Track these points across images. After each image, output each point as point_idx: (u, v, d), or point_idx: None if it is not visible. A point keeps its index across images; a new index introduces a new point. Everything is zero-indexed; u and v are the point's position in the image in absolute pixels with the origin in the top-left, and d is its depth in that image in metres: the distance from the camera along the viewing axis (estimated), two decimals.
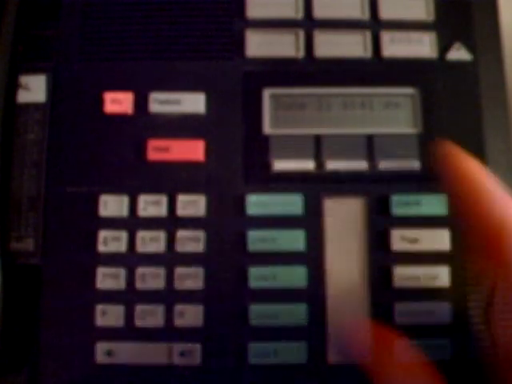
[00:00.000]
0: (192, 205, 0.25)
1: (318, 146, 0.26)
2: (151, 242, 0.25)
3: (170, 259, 0.25)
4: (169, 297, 0.24)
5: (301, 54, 0.27)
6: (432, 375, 0.20)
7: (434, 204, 0.25)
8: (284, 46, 0.27)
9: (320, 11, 0.27)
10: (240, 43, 0.27)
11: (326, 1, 0.27)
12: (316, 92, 0.26)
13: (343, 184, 0.25)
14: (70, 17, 0.27)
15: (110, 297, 0.24)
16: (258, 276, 0.24)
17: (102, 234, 0.25)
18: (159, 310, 0.24)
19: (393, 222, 0.25)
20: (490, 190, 0.20)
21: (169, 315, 0.24)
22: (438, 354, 0.23)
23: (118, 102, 0.26)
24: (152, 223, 0.25)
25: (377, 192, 0.25)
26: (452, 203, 0.22)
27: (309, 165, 0.25)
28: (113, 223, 0.25)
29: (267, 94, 0.26)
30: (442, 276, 0.24)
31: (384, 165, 0.25)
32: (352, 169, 0.25)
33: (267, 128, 0.26)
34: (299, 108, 0.26)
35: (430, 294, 0.24)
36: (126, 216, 0.25)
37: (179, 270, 0.24)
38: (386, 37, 0.27)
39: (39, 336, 0.24)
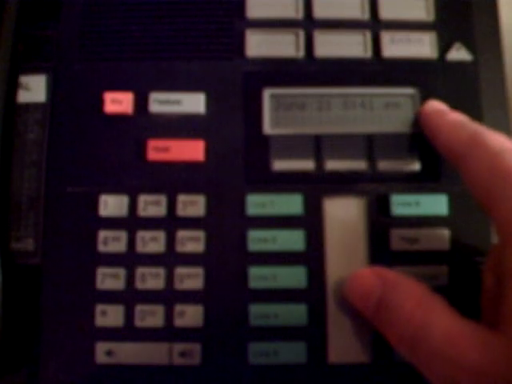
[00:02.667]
0: (192, 205, 0.25)
1: (318, 146, 0.26)
2: (151, 242, 0.25)
3: (170, 259, 0.25)
4: (169, 297, 0.24)
5: (301, 54, 0.27)
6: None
7: (433, 204, 0.25)
8: (284, 45, 0.27)
9: (320, 11, 0.27)
10: (240, 43, 0.27)
11: (326, 1, 0.27)
12: (316, 92, 0.26)
13: (343, 184, 0.25)
14: (70, 17, 0.27)
15: (110, 297, 0.24)
16: (258, 276, 0.24)
17: (102, 234, 0.25)
18: (159, 309, 0.24)
19: (392, 221, 0.25)
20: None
21: (169, 315, 0.24)
22: None
23: (118, 102, 0.26)
24: (152, 223, 0.25)
25: (377, 192, 0.25)
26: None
27: (309, 165, 0.25)
28: (113, 223, 0.25)
29: (267, 94, 0.26)
30: (441, 276, 0.24)
31: (384, 165, 0.25)
32: (352, 169, 0.25)
33: (267, 128, 0.26)
34: (299, 108, 0.26)
35: None
36: (126, 216, 0.25)
37: (179, 270, 0.24)
38: (386, 37, 0.27)
39: (39, 336, 0.24)
